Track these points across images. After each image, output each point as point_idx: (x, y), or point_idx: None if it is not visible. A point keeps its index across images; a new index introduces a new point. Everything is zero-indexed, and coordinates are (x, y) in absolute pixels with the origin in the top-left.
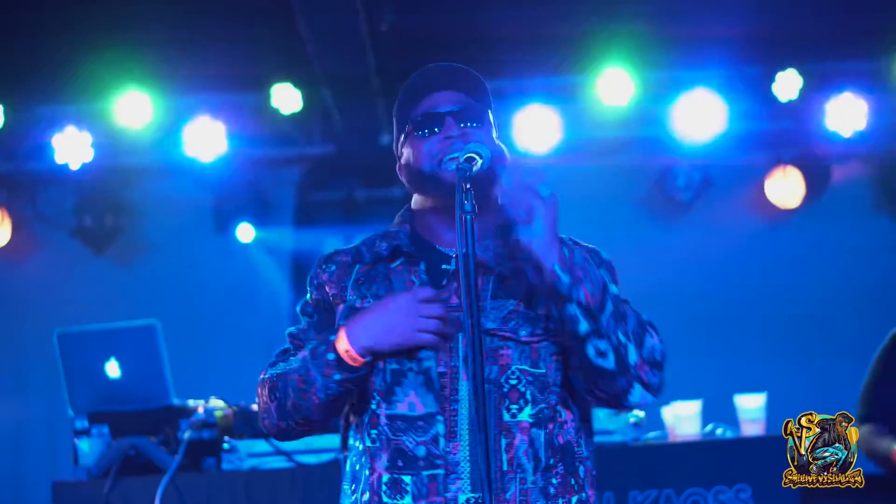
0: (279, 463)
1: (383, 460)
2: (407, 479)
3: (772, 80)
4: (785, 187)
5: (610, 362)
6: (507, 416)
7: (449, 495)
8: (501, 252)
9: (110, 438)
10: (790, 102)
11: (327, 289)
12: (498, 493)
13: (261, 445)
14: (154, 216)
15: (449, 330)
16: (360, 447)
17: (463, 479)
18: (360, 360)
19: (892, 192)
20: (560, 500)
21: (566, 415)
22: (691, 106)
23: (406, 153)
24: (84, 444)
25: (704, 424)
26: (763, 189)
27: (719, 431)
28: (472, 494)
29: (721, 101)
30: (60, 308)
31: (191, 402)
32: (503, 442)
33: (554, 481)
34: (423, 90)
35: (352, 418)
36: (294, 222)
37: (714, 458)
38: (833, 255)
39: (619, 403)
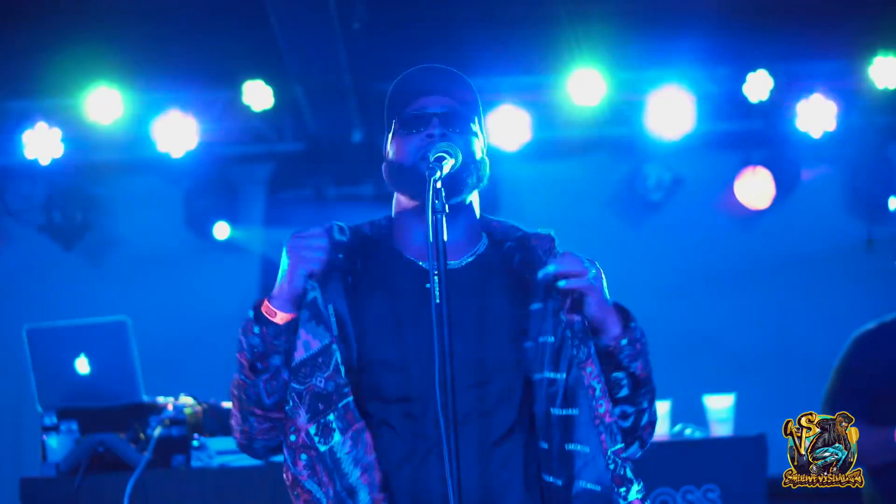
0: (248, 461)
1: (302, 416)
2: (331, 417)
3: (742, 80)
4: (754, 188)
5: (628, 424)
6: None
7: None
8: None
9: (79, 435)
10: (761, 103)
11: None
12: None
13: (230, 443)
14: (124, 212)
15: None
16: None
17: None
18: (274, 311)
19: (860, 194)
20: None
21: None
22: (662, 106)
23: (391, 150)
24: (53, 441)
25: (673, 425)
26: (733, 189)
27: (688, 432)
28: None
29: (691, 101)
30: (29, 304)
31: (160, 399)
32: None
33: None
34: (414, 90)
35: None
36: (264, 219)
37: (683, 458)
38: (802, 255)
39: None
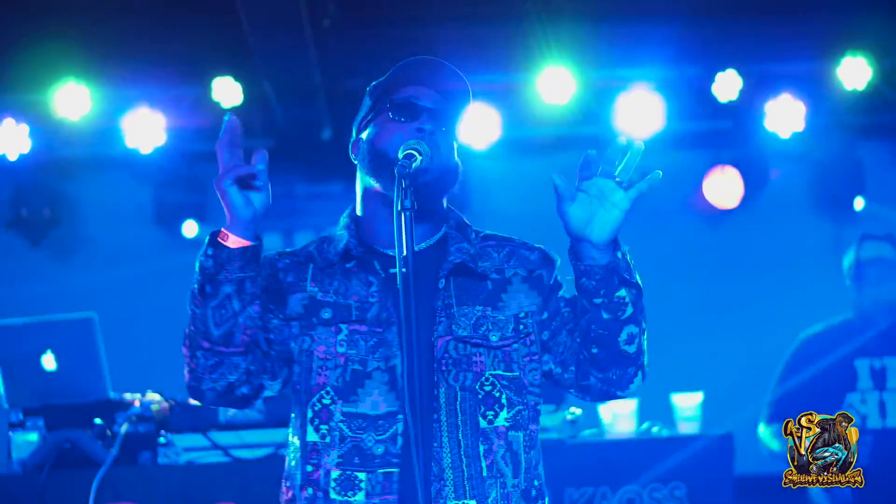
0: (215, 458)
1: (332, 456)
2: (362, 475)
3: (711, 80)
4: (723, 187)
5: (633, 347)
6: (483, 423)
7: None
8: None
9: (45, 431)
10: (729, 103)
11: (282, 275)
12: (480, 498)
13: (197, 440)
14: (92, 208)
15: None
16: (298, 443)
17: (447, 485)
18: (227, 234)
19: (829, 194)
20: (539, 502)
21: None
22: (631, 105)
23: (372, 131)
24: (19, 438)
25: (640, 422)
26: (701, 189)
27: (655, 430)
28: (457, 501)
29: (660, 100)
30: None
31: (127, 396)
32: (481, 448)
33: (536, 483)
34: (408, 77)
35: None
36: None
37: (650, 455)
38: (770, 255)
39: (618, 392)
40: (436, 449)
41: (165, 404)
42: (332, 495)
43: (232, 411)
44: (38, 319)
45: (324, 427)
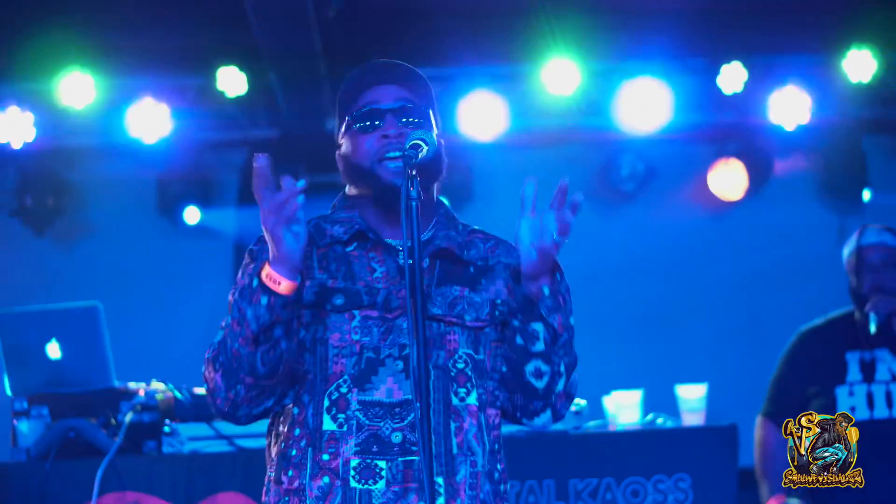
0: (220, 447)
1: (350, 445)
2: (382, 463)
3: (716, 72)
4: (728, 179)
5: (541, 384)
6: (455, 400)
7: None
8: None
9: (50, 420)
10: (734, 95)
11: None
12: (449, 475)
13: (202, 429)
14: (96, 197)
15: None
16: (303, 431)
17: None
18: (280, 278)
19: (833, 186)
20: (501, 487)
21: (497, 403)
22: (636, 96)
23: (345, 145)
24: (23, 426)
25: (645, 414)
26: (706, 181)
27: (660, 421)
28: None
29: (666, 92)
30: (0, 288)
31: (132, 385)
32: (452, 426)
33: (499, 466)
34: (365, 84)
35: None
36: (237, 205)
37: (654, 447)
38: (775, 247)
39: (521, 419)
40: None
41: (170, 393)
42: (353, 483)
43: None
44: (42, 308)
45: (341, 416)
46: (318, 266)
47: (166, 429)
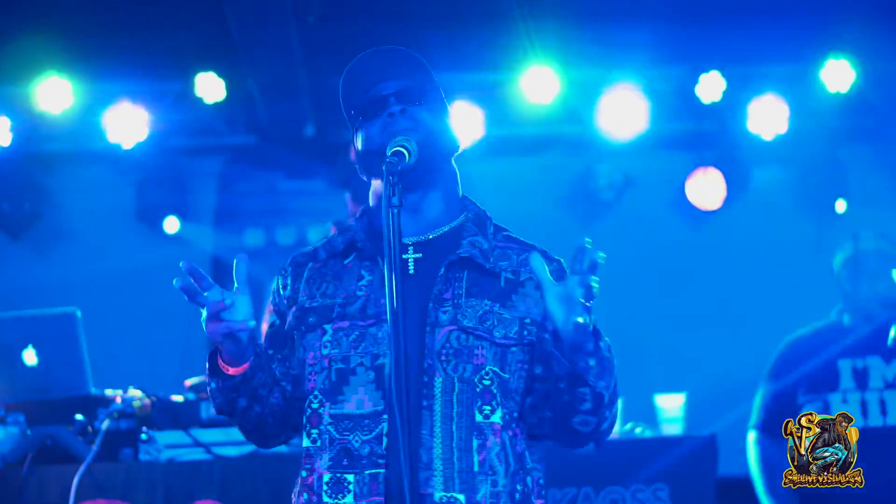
0: (197, 454)
1: (324, 460)
2: (350, 477)
3: (695, 81)
4: (706, 188)
5: (587, 429)
6: (479, 417)
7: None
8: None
9: (26, 426)
10: (713, 104)
11: (282, 293)
12: (470, 493)
13: (179, 436)
14: (73, 202)
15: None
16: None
17: (436, 476)
18: (226, 366)
19: (811, 196)
20: None
21: (520, 423)
22: (614, 105)
23: (358, 139)
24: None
25: (624, 423)
26: (684, 190)
27: (638, 431)
28: (445, 493)
29: (644, 101)
30: None
31: (109, 392)
32: (475, 442)
33: (519, 487)
34: (364, 76)
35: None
36: (215, 212)
37: (633, 456)
38: (752, 256)
39: (569, 448)
40: (426, 437)
41: (147, 400)
42: (325, 498)
43: (213, 408)
44: (19, 314)
45: (314, 431)
46: (305, 287)
47: (143, 436)
